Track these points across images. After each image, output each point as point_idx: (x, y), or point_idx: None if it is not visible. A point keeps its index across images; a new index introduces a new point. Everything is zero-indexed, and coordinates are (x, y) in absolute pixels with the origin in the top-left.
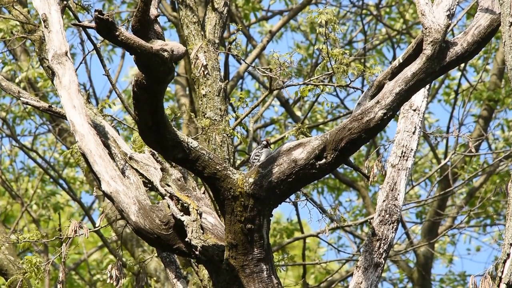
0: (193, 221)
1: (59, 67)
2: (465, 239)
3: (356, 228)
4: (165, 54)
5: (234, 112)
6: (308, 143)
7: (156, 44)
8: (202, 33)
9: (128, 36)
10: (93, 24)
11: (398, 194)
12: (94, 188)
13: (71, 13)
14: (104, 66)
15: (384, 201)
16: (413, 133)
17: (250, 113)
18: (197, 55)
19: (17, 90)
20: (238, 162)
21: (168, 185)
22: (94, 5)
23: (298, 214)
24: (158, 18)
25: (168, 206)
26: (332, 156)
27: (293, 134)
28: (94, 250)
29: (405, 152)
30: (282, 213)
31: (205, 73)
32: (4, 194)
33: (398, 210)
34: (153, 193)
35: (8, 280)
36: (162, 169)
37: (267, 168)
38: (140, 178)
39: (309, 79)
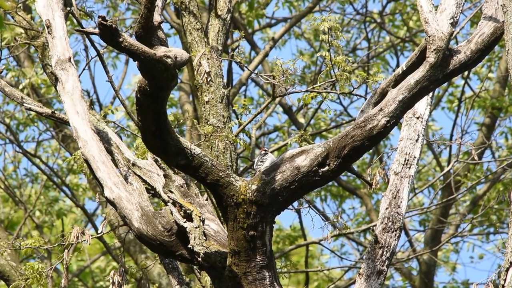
0: (196, 227)
1: (62, 73)
2: (468, 247)
3: (359, 235)
4: (169, 60)
5: (237, 118)
6: (311, 150)
7: (160, 51)
8: (205, 39)
9: (132, 42)
10: (96, 30)
11: (401, 201)
12: (97, 194)
13: (74, 20)
14: (107, 72)
15: (387, 208)
16: (416, 140)
17: (253, 120)
18: (200, 62)
19: (20, 96)
20: (241, 169)
21: (171, 192)
22: (98, 11)
23: (301, 221)
24: (161, 25)
25: (171, 213)
26: (335, 163)
27: (296, 141)
28: (97, 256)
29: (408, 160)
30: (282, 221)
31: (208, 80)
32: (7, 200)
33: (401, 218)
34: (156, 199)
35: (10, 286)
36: (165, 176)
37: (270, 175)
38: (143, 184)
39: (312, 86)
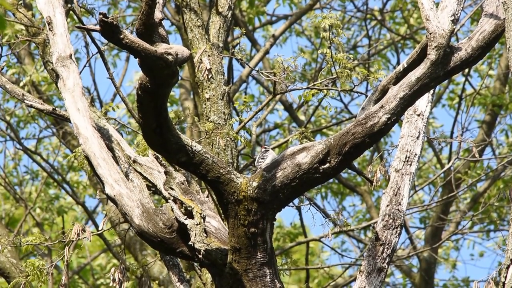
0: (197, 224)
1: (63, 70)
2: (469, 244)
3: (360, 232)
4: (169, 57)
5: (238, 116)
6: (312, 148)
7: (161, 48)
8: (206, 36)
9: (133, 39)
10: (97, 27)
11: (402, 199)
12: (98, 191)
13: (75, 17)
14: (108, 69)
15: (387, 205)
16: (417, 138)
17: (253, 117)
18: (201, 59)
19: (21, 93)
20: (242, 166)
21: (172, 189)
22: (99, 8)
23: (301, 219)
24: (162, 22)
25: (172, 210)
26: (335, 160)
27: (297, 138)
28: (98, 253)
29: (408, 157)
30: (282, 218)
31: (209, 77)
32: (8, 197)
33: (402, 215)
34: (156, 196)
35: (11, 283)
36: (166, 173)
37: (271, 172)
38: (144, 181)
39: (313, 84)
